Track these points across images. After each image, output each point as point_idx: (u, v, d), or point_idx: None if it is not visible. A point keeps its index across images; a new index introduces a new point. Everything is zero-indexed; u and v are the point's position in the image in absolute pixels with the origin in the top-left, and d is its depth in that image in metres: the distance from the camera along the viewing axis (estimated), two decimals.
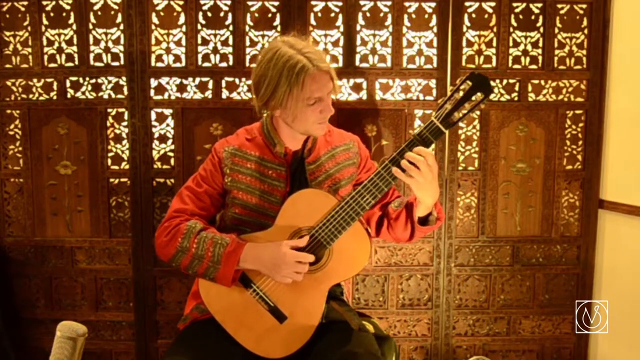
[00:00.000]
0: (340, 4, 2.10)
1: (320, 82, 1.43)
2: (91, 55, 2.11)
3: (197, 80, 2.12)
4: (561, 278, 2.25)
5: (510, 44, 2.14)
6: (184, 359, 1.34)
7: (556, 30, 2.14)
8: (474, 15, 2.13)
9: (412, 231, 1.53)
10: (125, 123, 2.13)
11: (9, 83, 2.12)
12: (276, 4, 2.09)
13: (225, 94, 2.13)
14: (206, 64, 2.12)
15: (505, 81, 2.16)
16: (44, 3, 2.08)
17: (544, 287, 2.25)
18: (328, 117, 1.50)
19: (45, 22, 2.09)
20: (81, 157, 2.14)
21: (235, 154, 1.57)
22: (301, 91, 1.41)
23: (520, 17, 2.13)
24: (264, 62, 1.45)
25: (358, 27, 2.11)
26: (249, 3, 2.09)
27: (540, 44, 2.15)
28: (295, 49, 1.43)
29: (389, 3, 2.10)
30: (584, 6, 2.13)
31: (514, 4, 2.12)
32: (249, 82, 2.11)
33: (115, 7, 2.08)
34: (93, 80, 2.12)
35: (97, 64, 2.11)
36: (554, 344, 2.28)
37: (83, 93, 2.13)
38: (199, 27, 2.10)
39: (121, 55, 2.11)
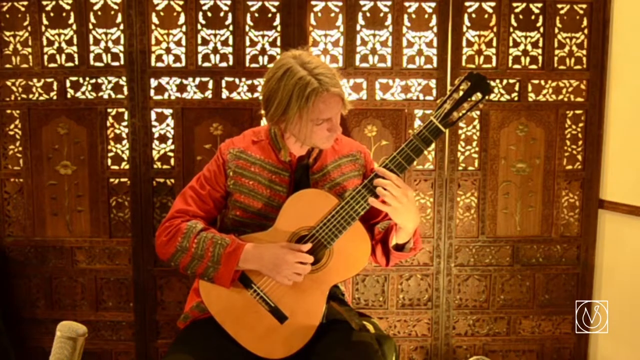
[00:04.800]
0: (340, 4, 2.10)
1: (329, 104, 1.43)
2: (91, 55, 2.11)
3: (197, 80, 2.12)
4: (561, 278, 2.25)
5: (510, 44, 2.14)
6: (184, 358, 1.34)
7: (556, 30, 2.14)
8: (474, 15, 2.13)
9: (388, 257, 1.54)
10: (125, 123, 2.13)
11: (9, 83, 2.12)
12: (276, 4, 2.09)
13: (225, 94, 2.13)
14: (206, 64, 2.12)
15: (505, 81, 2.16)
16: (44, 3, 2.08)
17: (544, 287, 2.25)
18: (335, 135, 1.51)
19: (45, 22, 2.10)
20: (81, 157, 2.14)
21: (239, 156, 1.57)
22: (310, 112, 1.41)
23: (520, 17, 2.13)
24: (274, 80, 1.44)
25: (358, 27, 2.11)
26: (249, 3, 2.09)
27: (540, 44, 2.15)
28: (307, 69, 1.41)
29: (389, 3, 2.10)
30: (584, 6, 2.13)
31: (514, 4, 2.12)
32: (249, 82, 2.12)
33: (115, 7, 2.08)
34: (93, 80, 2.12)
35: (97, 64, 2.11)
36: (554, 344, 2.28)
37: (83, 93, 2.13)
38: (199, 27, 2.10)
39: (121, 55, 2.11)
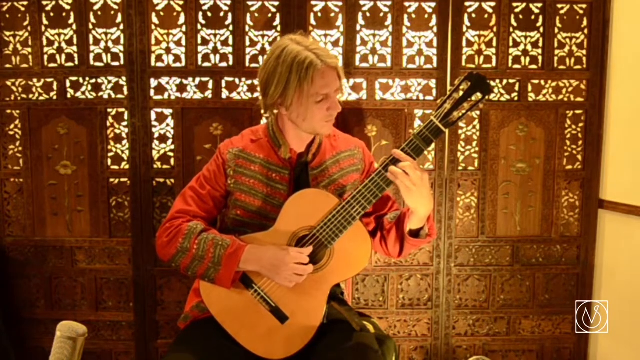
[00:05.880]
0: (340, 4, 2.10)
1: (328, 78, 1.44)
2: (91, 55, 2.11)
3: (197, 80, 2.12)
4: (561, 278, 2.25)
5: (510, 44, 2.14)
6: (184, 358, 1.34)
7: (556, 30, 2.14)
8: (474, 15, 2.13)
9: (402, 244, 1.53)
10: (125, 123, 2.13)
11: (9, 83, 2.12)
12: (276, 4, 2.09)
13: (225, 94, 2.13)
14: (206, 64, 2.12)
15: (505, 81, 2.16)
16: (44, 3, 2.08)
17: (544, 287, 2.25)
18: (335, 115, 1.51)
19: (45, 22, 2.09)
20: (81, 157, 2.14)
21: (239, 155, 1.57)
22: (310, 87, 1.42)
23: (520, 17, 2.13)
24: (272, 60, 1.46)
25: (358, 27, 2.11)
26: (249, 3, 2.09)
27: (540, 44, 2.15)
28: (303, 46, 1.44)
29: (389, 3, 2.11)
30: (584, 6, 2.13)
31: (514, 4, 2.12)
32: (249, 82, 2.12)
33: (115, 7, 2.08)
34: (93, 80, 2.12)
35: (97, 64, 2.11)
36: (554, 344, 2.28)
37: (83, 93, 2.13)
38: (199, 27, 2.10)
39: (121, 55, 2.11)
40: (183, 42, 2.11)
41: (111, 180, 2.15)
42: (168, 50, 2.11)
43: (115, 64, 2.11)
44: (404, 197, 1.40)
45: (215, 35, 2.11)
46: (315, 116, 1.47)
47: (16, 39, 2.11)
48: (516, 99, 2.17)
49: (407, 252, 1.55)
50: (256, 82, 2.11)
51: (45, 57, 2.11)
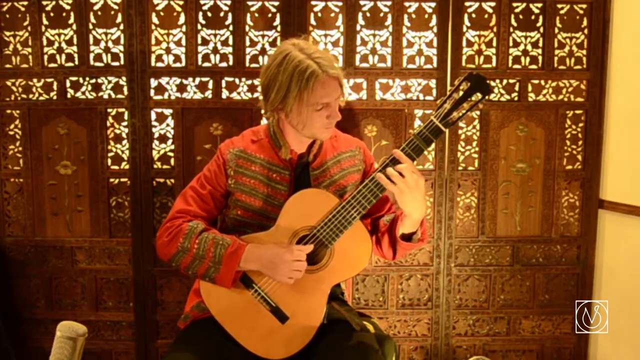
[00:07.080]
0: (340, 4, 2.10)
1: (328, 88, 1.44)
2: (91, 55, 2.11)
3: (197, 80, 2.12)
4: (561, 278, 2.25)
5: (510, 44, 2.15)
6: (184, 358, 1.34)
7: (556, 30, 2.14)
8: (474, 15, 2.13)
9: (395, 248, 1.53)
10: (125, 123, 2.13)
11: (9, 83, 2.12)
12: (276, 4, 2.09)
13: (225, 94, 2.13)
14: (206, 64, 2.12)
15: (505, 81, 2.16)
16: (44, 3, 2.08)
17: (544, 287, 2.25)
18: (334, 123, 1.51)
19: (45, 22, 2.09)
20: (81, 157, 2.14)
21: (240, 155, 1.57)
22: (310, 96, 1.42)
23: (520, 17, 2.14)
24: (273, 66, 1.45)
25: (358, 27, 2.11)
26: (249, 3, 2.09)
27: (540, 44, 2.15)
28: (305, 54, 1.43)
29: (389, 3, 2.11)
30: (584, 6, 2.13)
31: (514, 4, 2.12)
32: (249, 82, 2.12)
33: (115, 7, 2.08)
34: (93, 80, 2.12)
35: (97, 64, 2.11)
36: (554, 344, 2.28)
37: (83, 93, 2.13)
38: (199, 27, 2.10)
39: (121, 55, 2.11)
40: (183, 42, 2.11)
41: (111, 180, 2.15)
42: (168, 50, 2.11)
43: (115, 64, 2.11)
44: (397, 200, 1.40)
45: (215, 35, 2.11)
46: (314, 123, 1.47)
47: (16, 39, 2.11)
48: (516, 99, 2.17)
49: (400, 255, 1.56)
50: (256, 82, 2.11)
51: (45, 57, 2.11)
